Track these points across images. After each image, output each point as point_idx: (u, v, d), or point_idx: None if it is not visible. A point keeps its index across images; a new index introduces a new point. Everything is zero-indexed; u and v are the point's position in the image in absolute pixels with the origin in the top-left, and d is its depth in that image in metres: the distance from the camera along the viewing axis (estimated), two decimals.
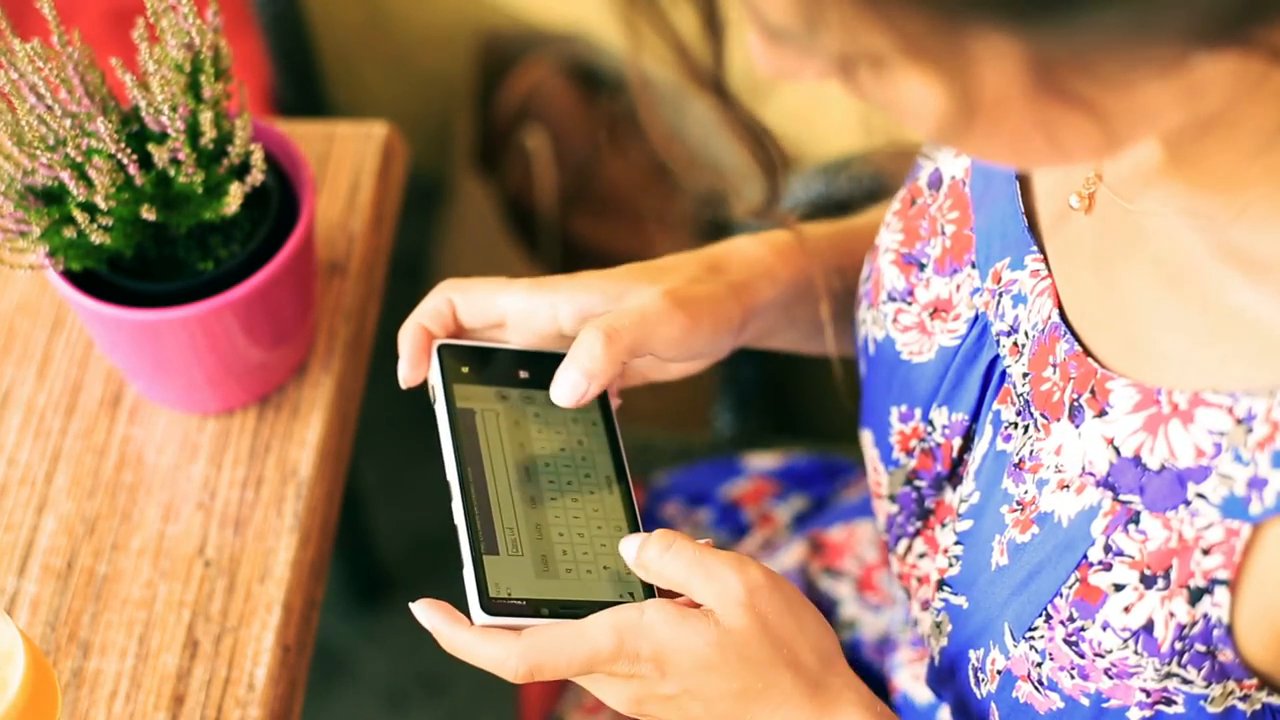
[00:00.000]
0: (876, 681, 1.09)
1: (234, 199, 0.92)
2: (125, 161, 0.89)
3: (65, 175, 0.89)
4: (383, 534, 1.84)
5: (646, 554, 0.79)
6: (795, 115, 1.57)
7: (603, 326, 0.83)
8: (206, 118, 0.90)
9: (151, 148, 0.90)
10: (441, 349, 0.87)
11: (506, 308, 0.87)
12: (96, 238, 0.90)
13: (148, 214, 0.90)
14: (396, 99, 1.99)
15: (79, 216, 0.89)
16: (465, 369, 0.87)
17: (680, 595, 0.80)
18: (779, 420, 1.66)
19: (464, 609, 0.80)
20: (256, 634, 0.95)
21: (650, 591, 0.82)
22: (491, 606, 0.79)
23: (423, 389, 0.88)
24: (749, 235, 0.92)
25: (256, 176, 0.92)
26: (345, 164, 1.13)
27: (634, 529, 0.84)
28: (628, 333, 0.83)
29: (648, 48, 0.63)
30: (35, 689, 0.80)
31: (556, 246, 1.75)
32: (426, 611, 0.80)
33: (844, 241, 0.96)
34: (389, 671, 1.80)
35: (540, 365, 0.88)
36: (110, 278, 0.95)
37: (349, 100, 1.97)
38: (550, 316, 0.87)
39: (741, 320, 0.88)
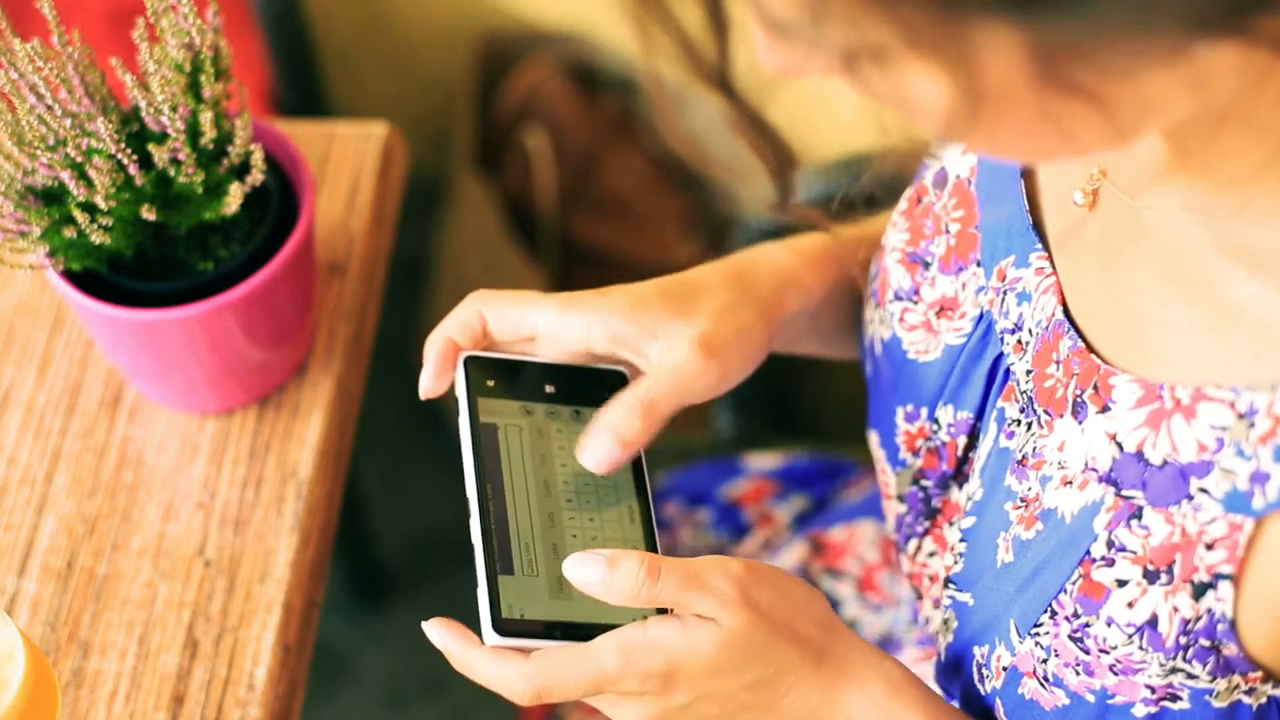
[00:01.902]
0: None
1: (234, 199, 0.92)
2: (125, 161, 0.89)
3: (65, 175, 0.89)
4: (383, 534, 1.84)
5: (634, 588, 0.78)
6: (797, 116, 1.57)
7: (641, 397, 0.83)
8: (206, 118, 0.90)
9: (151, 148, 0.90)
10: (468, 361, 0.86)
11: (538, 324, 0.86)
12: (96, 238, 0.90)
13: (148, 214, 0.90)
14: (396, 99, 1.99)
15: (79, 216, 0.89)
16: (491, 382, 0.86)
17: None
18: (779, 420, 1.66)
19: (469, 616, 0.80)
20: (256, 634, 0.95)
21: (663, 611, 0.81)
22: (504, 627, 0.78)
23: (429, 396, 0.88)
24: (775, 242, 0.92)
25: (256, 176, 0.92)
26: (345, 164, 1.13)
27: (651, 549, 0.83)
28: (664, 401, 0.84)
29: (657, 47, 0.63)
30: (35, 689, 0.80)
31: (556, 246, 1.75)
32: (438, 631, 0.80)
33: (876, 242, 0.96)
34: (389, 672, 1.80)
35: (567, 380, 0.87)
36: (110, 278, 0.94)
37: (349, 100, 1.97)
38: (582, 336, 0.86)
39: (769, 341, 0.88)
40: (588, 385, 0.88)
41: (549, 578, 0.81)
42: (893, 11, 0.57)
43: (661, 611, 0.81)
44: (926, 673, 1.03)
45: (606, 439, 0.83)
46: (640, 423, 0.83)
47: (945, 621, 0.85)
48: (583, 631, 0.79)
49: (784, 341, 0.91)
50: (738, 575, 0.78)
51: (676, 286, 0.88)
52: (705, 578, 0.78)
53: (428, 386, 0.86)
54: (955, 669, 0.85)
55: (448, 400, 0.87)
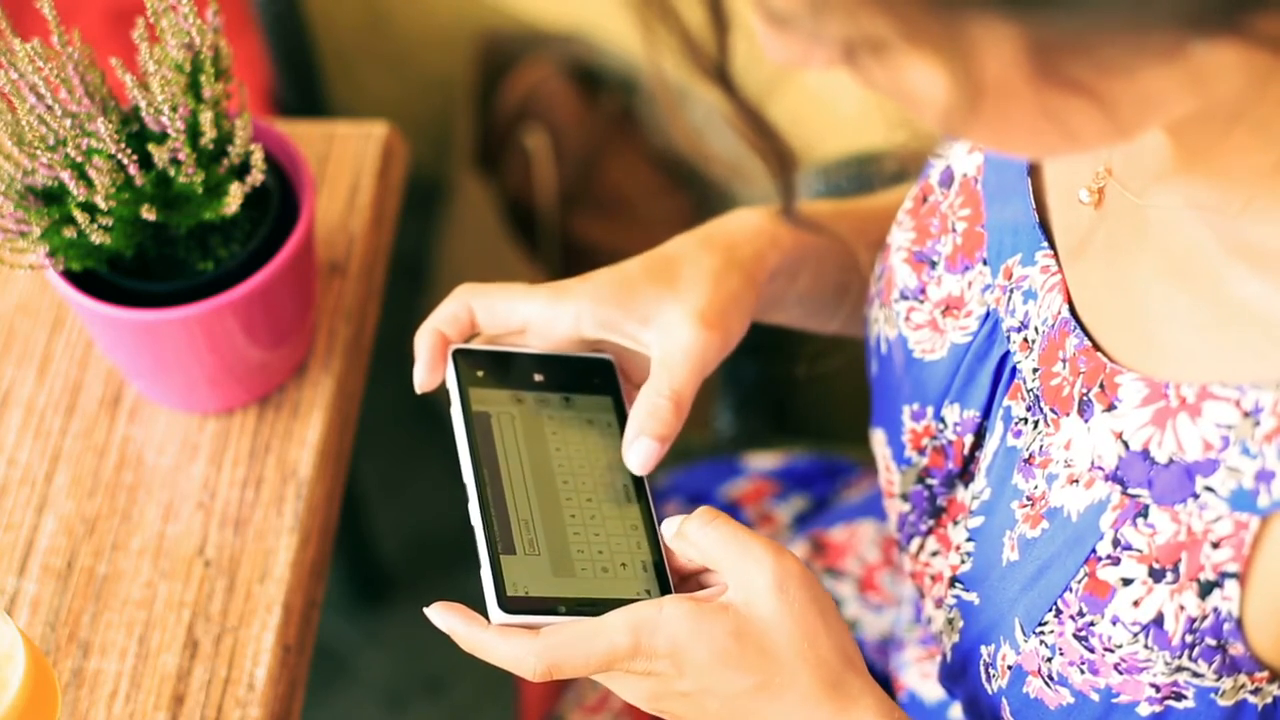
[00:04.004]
0: (879, 680, 1.09)
1: (234, 199, 0.92)
2: (125, 161, 0.89)
3: (65, 175, 0.89)
4: (383, 534, 1.84)
5: (689, 524, 0.80)
6: (797, 116, 1.57)
7: (667, 392, 0.84)
8: (206, 118, 0.90)
9: (151, 148, 0.90)
10: (457, 353, 0.87)
11: (528, 314, 0.87)
12: (96, 238, 0.90)
13: (148, 214, 0.90)
14: (396, 99, 1.99)
15: (79, 216, 0.89)
16: (481, 373, 0.87)
17: (699, 590, 0.80)
18: (779, 420, 1.66)
19: (473, 610, 0.80)
20: (256, 634, 0.95)
21: (667, 588, 0.82)
22: (509, 605, 0.79)
23: (432, 391, 0.88)
24: (746, 208, 0.92)
25: (256, 176, 0.92)
26: (345, 164, 1.13)
27: (650, 527, 0.84)
28: (689, 385, 0.85)
29: (659, 42, 0.63)
30: (35, 689, 0.80)
31: (556, 246, 1.75)
32: (442, 614, 0.80)
33: (849, 217, 0.96)
34: (389, 672, 1.80)
35: (555, 369, 0.88)
36: (110, 278, 0.94)
37: (349, 100, 1.97)
38: (573, 324, 0.87)
39: (756, 300, 0.89)
40: (575, 373, 0.89)
41: (551, 556, 0.81)
42: (890, 5, 0.58)
43: (667, 591, 0.81)
44: (930, 672, 1.04)
45: (646, 443, 0.85)
46: (673, 417, 0.85)
47: (950, 621, 0.85)
48: (588, 607, 0.79)
49: (767, 302, 0.91)
50: (787, 566, 0.78)
51: (659, 262, 0.88)
52: (752, 547, 0.78)
53: (421, 380, 0.87)
54: (961, 669, 0.85)
55: (446, 397, 0.87)
